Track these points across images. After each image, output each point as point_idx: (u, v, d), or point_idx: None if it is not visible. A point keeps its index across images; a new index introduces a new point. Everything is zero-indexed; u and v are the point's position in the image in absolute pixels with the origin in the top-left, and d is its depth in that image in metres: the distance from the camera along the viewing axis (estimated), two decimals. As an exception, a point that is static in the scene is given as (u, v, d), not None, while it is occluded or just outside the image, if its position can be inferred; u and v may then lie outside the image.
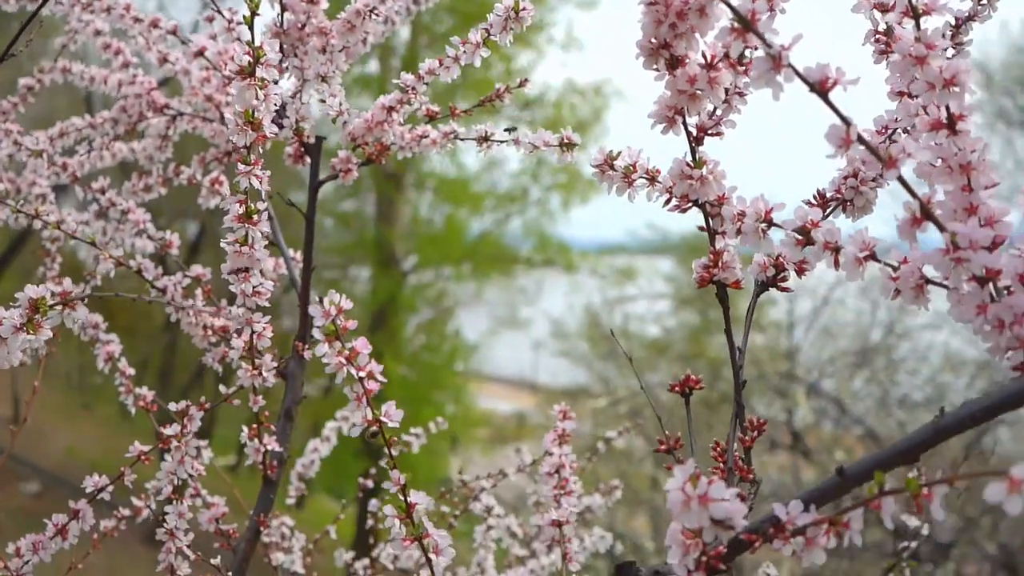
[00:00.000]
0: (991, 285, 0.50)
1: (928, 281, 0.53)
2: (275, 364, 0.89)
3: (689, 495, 0.49)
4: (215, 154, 1.15)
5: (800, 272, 0.66)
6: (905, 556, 1.08)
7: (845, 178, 0.66)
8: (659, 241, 10.71)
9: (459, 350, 11.32)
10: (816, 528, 0.50)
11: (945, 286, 0.52)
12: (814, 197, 0.67)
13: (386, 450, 0.63)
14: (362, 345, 0.61)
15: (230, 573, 0.92)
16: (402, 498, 0.63)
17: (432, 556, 0.63)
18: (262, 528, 0.97)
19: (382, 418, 0.62)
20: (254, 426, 0.94)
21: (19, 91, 1.33)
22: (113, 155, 1.32)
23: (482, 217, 11.96)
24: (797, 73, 0.49)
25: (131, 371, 1.08)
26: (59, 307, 0.66)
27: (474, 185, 11.98)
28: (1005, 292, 0.50)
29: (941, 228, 0.50)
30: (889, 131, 0.66)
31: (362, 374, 0.61)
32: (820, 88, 0.49)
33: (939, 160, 0.54)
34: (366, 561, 1.33)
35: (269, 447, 0.95)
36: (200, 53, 1.04)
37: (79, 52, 1.32)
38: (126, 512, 1.07)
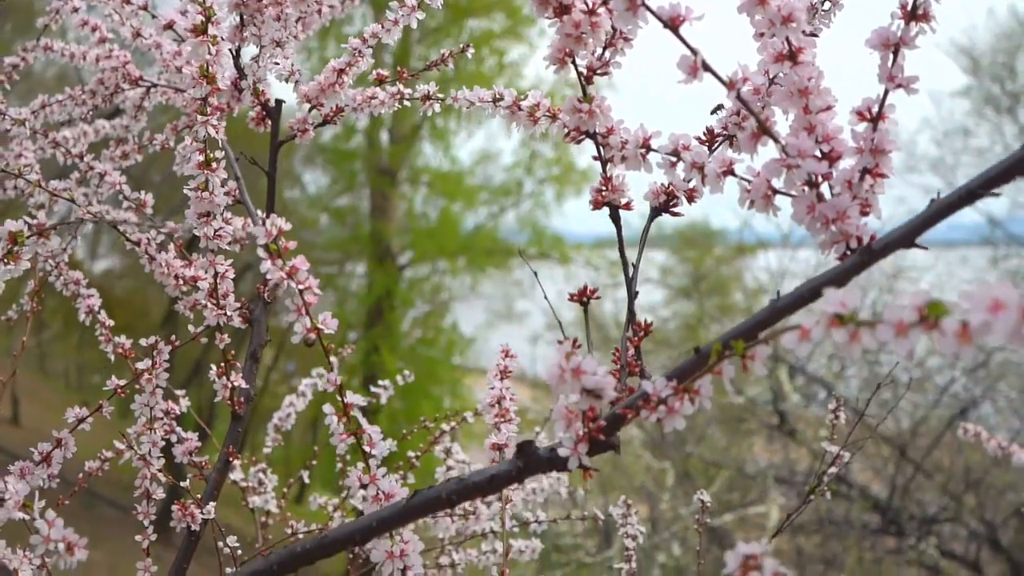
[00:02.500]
0: (818, 189, 0.59)
1: (775, 191, 0.62)
2: (238, 304, 0.98)
3: (564, 368, 0.57)
4: (186, 122, 1.24)
5: (690, 199, 0.75)
6: (826, 481, 1.17)
7: (730, 116, 0.75)
8: (653, 233, 10.76)
9: (455, 344, 11.40)
10: (675, 397, 0.58)
11: (788, 194, 0.61)
12: (704, 133, 0.76)
13: (325, 357, 0.72)
14: (300, 262, 0.70)
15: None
16: (339, 398, 0.72)
17: (367, 448, 0.72)
18: (231, 459, 1.06)
19: (320, 325, 0.71)
20: (222, 364, 1.03)
21: (4, 69, 1.41)
22: (96, 131, 1.41)
23: (476, 211, 12.05)
24: (650, 11, 0.58)
25: (110, 322, 1.16)
26: (34, 237, 0.75)
27: (468, 179, 12.05)
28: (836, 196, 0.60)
29: (777, 141, 0.59)
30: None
31: (302, 287, 0.70)
32: (672, 24, 0.58)
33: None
34: (336, 501, 1.42)
35: (236, 384, 1.04)
36: (169, 26, 1.13)
37: (58, 32, 1.41)
38: (108, 453, 1.16)
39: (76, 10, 1.25)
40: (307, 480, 1.44)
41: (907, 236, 0.55)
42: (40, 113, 1.27)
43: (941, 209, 0.54)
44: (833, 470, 1.15)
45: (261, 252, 0.69)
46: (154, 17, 1.15)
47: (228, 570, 1.05)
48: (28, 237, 0.74)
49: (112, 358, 1.15)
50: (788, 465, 6.56)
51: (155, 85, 1.26)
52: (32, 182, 1.04)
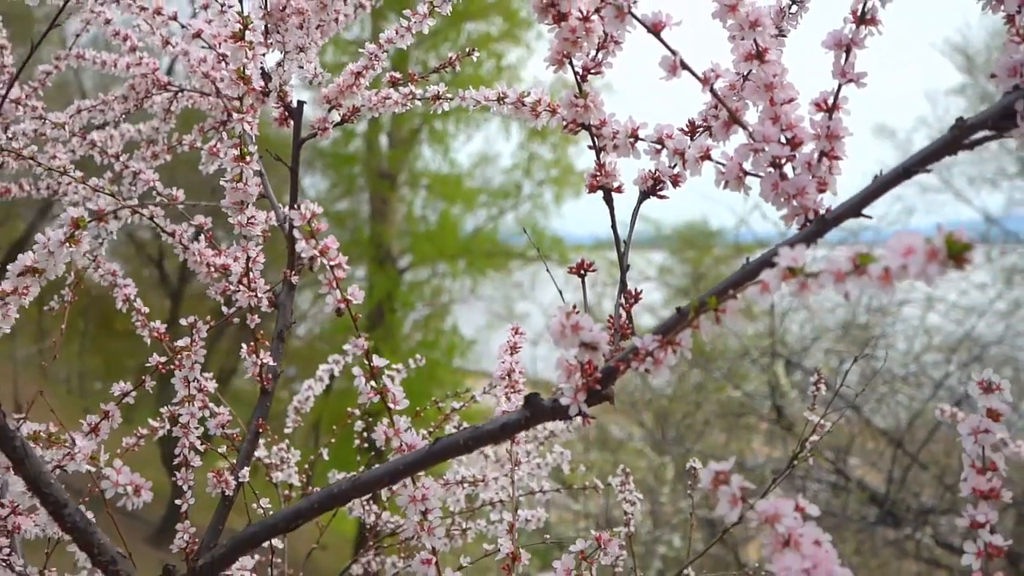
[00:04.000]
0: (782, 170, 0.68)
1: (745, 172, 0.72)
2: (268, 287, 1.08)
3: (565, 324, 0.67)
4: (212, 123, 1.33)
5: (675, 183, 0.84)
6: (809, 449, 1.26)
7: (709, 109, 0.84)
8: (652, 233, 10.89)
9: (456, 346, 11.47)
10: (660, 350, 0.68)
11: (756, 174, 0.71)
12: (687, 124, 0.85)
13: (353, 325, 0.81)
14: (331, 242, 0.80)
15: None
16: (367, 362, 0.82)
17: (391, 405, 0.81)
18: (261, 430, 1.15)
19: (348, 297, 0.80)
20: (252, 343, 1.13)
21: (38, 76, 1.51)
22: (122, 135, 1.51)
23: (475, 213, 12.14)
24: (636, 18, 0.68)
25: (146, 309, 1.26)
26: (95, 222, 0.85)
27: (467, 182, 12.15)
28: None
29: (745, 128, 0.69)
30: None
31: (333, 263, 0.79)
32: (655, 29, 0.68)
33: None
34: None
35: (265, 362, 1.14)
36: (197, 35, 1.23)
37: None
38: (144, 431, 1.26)
39: (109, 21, 1.35)
40: (326, 456, 1.54)
41: (854, 207, 0.64)
42: (76, 117, 1.37)
43: (882, 184, 0.64)
44: (815, 437, 1.25)
45: (297, 233, 0.79)
46: (183, 27, 1.25)
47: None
48: (89, 222, 0.83)
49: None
50: (787, 460, 6.65)
51: (182, 90, 1.35)
52: (75, 178, 1.13)
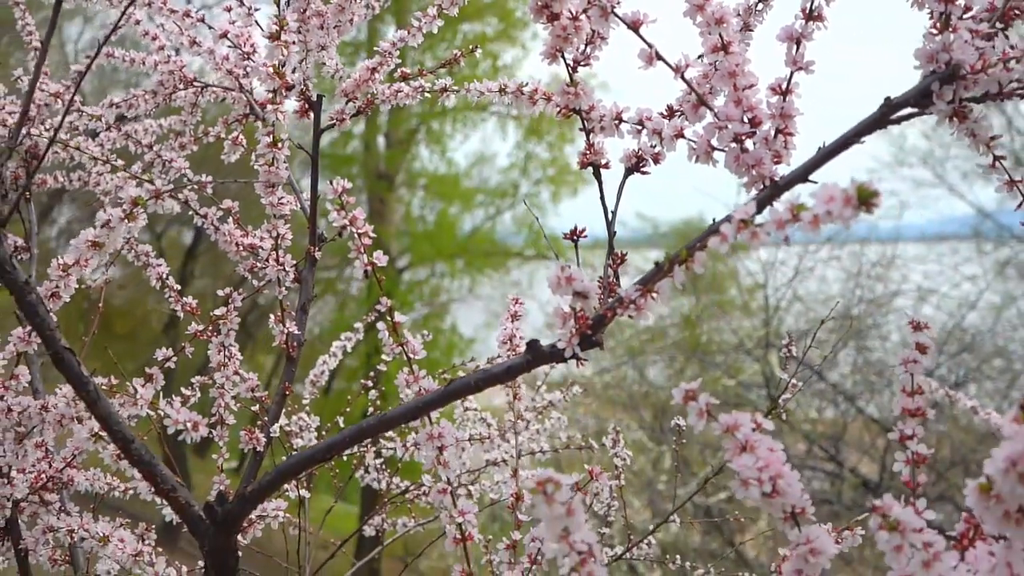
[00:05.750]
0: (743, 145, 0.81)
1: (712, 148, 0.84)
2: (295, 262, 1.20)
3: (561, 277, 0.79)
4: (236, 116, 1.46)
5: (656, 161, 0.97)
6: (783, 406, 1.38)
7: (684, 94, 0.97)
8: (649, 232, 11.02)
9: (455, 345, 11.58)
10: (641, 298, 0.80)
11: (721, 149, 0.83)
12: (666, 108, 0.98)
13: (378, 286, 0.94)
14: (359, 213, 0.92)
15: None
16: (390, 318, 0.94)
17: (411, 355, 0.94)
18: (287, 393, 1.27)
19: (374, 261, 0.93)
20: (279, 313, 1.25)
21: (71, 75, 1.63)
22: (146, 129, 1.63)
23: (473, 213, 12.26)
24: (618, 17, 0.80)
25: (178, 287, 1.38)
26: (152, 200, 0.97)
27: (464, 181, 12.27)
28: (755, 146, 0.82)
29: (711, 110, 0.81)
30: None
31: (360, 231, 0.92)
32: (634, 26, 0.80)
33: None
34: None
35: (290, 330, 1.26)
36: (224, 35, 1.35)
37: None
38: (186, 393, 1.37)
39: (139, 22, 1.47)
40: (342, 425, 1.66)
41: (801, 175, 0.77)
42: (110, 111, 1.49)
43: (825, 154, 0.76)
44: (787, 396, 1.37)
45: (329, 205, 0.91)
46: (211, 28, 1.37)
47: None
48: (147, 200, 0.95)
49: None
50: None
51: (207, 85, 1.48)
52: (118, 167, 1.25)
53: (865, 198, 0.58)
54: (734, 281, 10.94)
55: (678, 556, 1.60)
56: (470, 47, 1.29)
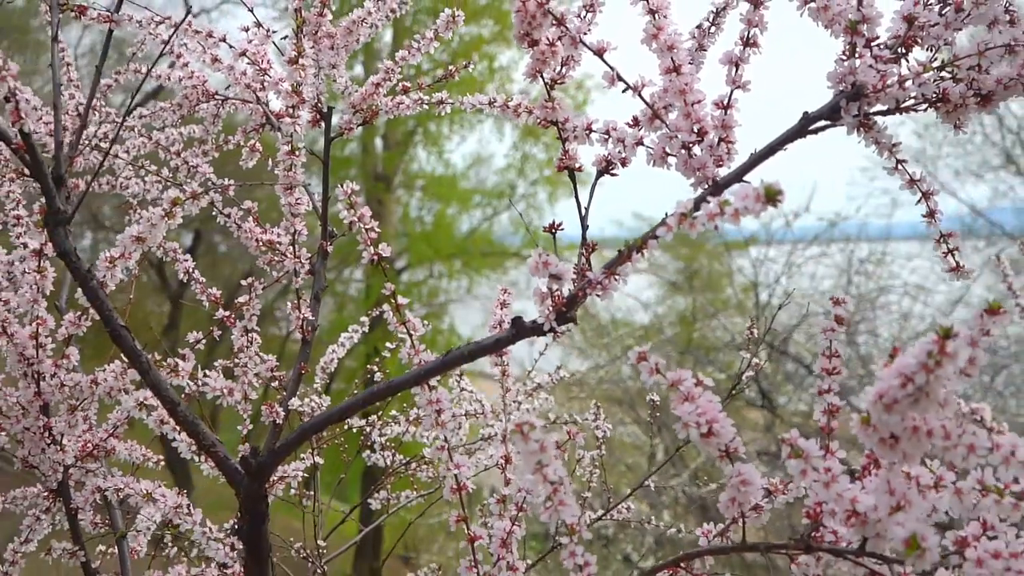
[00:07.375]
0: (691, 151, 0.97)
1: (667, 153, 1.00)
2: (309, 255, 1.36)
3: (538, 261, 0.95)
4: (253, 126, 1.61)
5: (623, 164, 1.12)
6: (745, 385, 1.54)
7: (644, 110, 1.12)
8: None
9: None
10: (607, 279, 0.96)
11: (673, 155, 0.99)
12: (632, 119, 1.13)
13: (383, 274, 1.09)
14: (366, 211, 1.08)
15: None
16: (394, 300, 1.10)
17: (412, 332, 1.09)
18: (303, 372, 1.43)
19: (379, 252, 1.08)
20: (295, 301, 1.41)
21: (100, 89, 1.79)
22: (167, 137, 1.79)
23: (470, 214, 12.41)
24: (585, 44, 0.96)
25: (203, 279, 1.54)
26: (189, 200, 1.13)
27: (461, 182, 12.42)
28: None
29: (663, 122, 0.97)
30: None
31: (367, 226, 1.07)
32: (598, 52, 0.96)
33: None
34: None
35: (305, 316, 1.42)
36: (242, 54, 1.51)
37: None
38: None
39: (165, 42, 1.63)
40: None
41: (736, 177, 0.93)
42: (139, 121, 1.65)
43: (755, 160, 0.92)
44: (750, 373, 1.53)
45: (340, 204, 1.07)
46: (231, 47, 1.53)
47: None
48: (184, 201, 1.11)
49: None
50: (773, 440, 6.94)
51: (227, 99, 1.63)
52: (151, 171, 1.41)
53: (772, 196, 0.73)
54: (729, 280, 11.11)
55: (661, 523, 1.76)
56: (464, 63, 1.45)
